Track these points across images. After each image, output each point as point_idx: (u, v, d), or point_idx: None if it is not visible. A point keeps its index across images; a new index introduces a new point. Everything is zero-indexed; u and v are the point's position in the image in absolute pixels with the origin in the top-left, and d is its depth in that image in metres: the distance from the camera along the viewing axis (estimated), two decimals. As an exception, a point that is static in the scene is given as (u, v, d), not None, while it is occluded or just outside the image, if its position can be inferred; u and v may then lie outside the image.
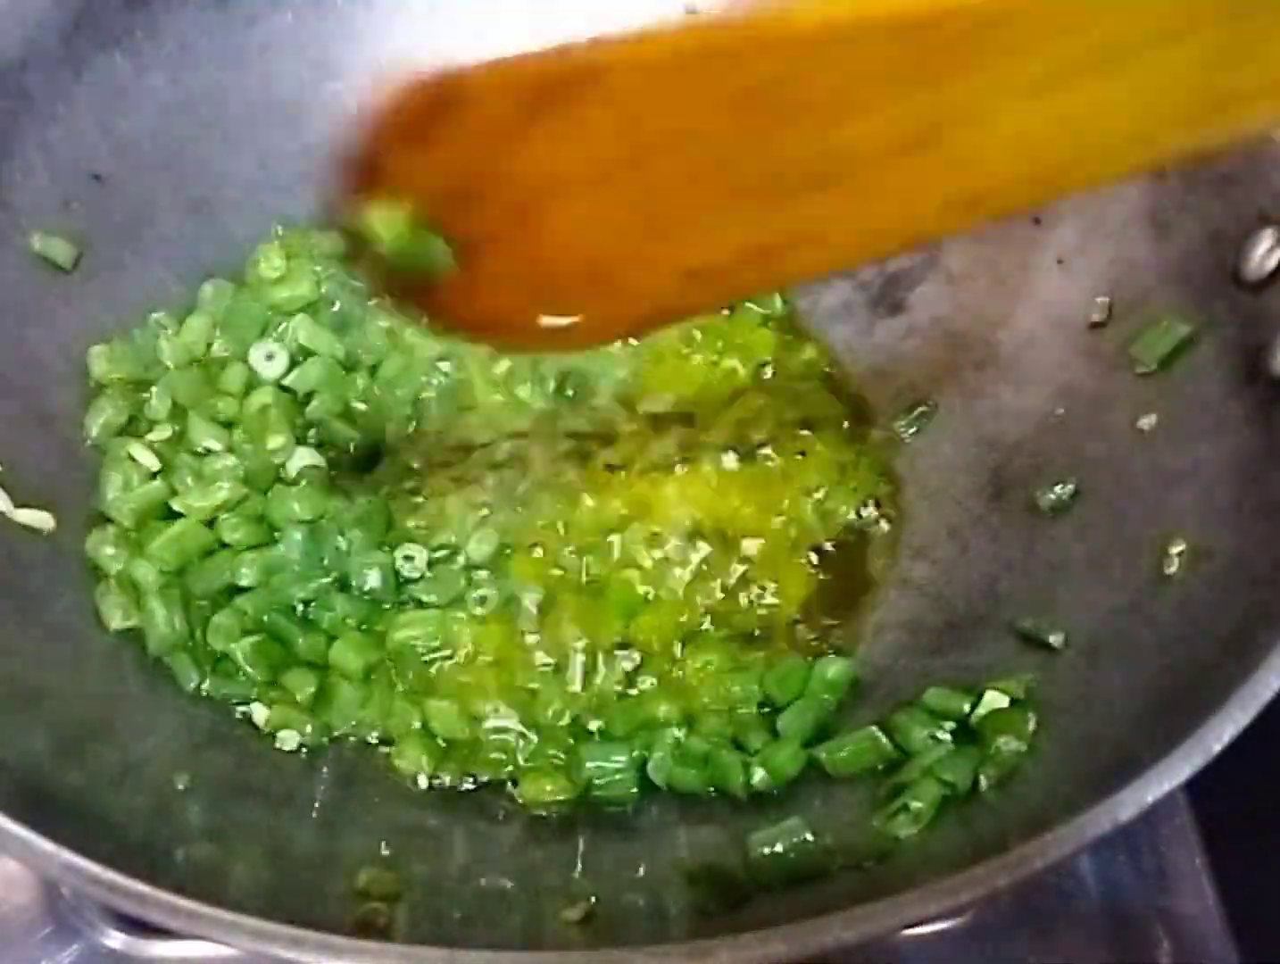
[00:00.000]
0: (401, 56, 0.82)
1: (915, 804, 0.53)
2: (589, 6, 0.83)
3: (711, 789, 0.61)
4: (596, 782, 0.61)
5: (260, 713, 0.63)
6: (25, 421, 0.66)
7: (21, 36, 0.69)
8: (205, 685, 0.63)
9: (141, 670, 0.63)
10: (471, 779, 0.62)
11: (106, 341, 0.71)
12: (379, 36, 0.82)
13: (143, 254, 0.74)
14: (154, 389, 0.72)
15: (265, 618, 0.65)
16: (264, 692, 0.63)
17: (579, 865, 0.57)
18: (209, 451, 0.69)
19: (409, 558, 0.67)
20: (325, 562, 0.66)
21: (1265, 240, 0.61)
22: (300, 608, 0.66)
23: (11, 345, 0.67)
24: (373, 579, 0.66)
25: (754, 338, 0.80)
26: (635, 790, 0.61)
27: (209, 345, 0.74)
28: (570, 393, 0.76)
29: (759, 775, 0.60)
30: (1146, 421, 0.65)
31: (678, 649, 0.67)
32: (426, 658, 0.66)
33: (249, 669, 0.63)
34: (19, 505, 0.63)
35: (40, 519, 0.64)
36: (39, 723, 0.55)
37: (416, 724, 0.63)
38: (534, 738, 0.63)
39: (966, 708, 0.59)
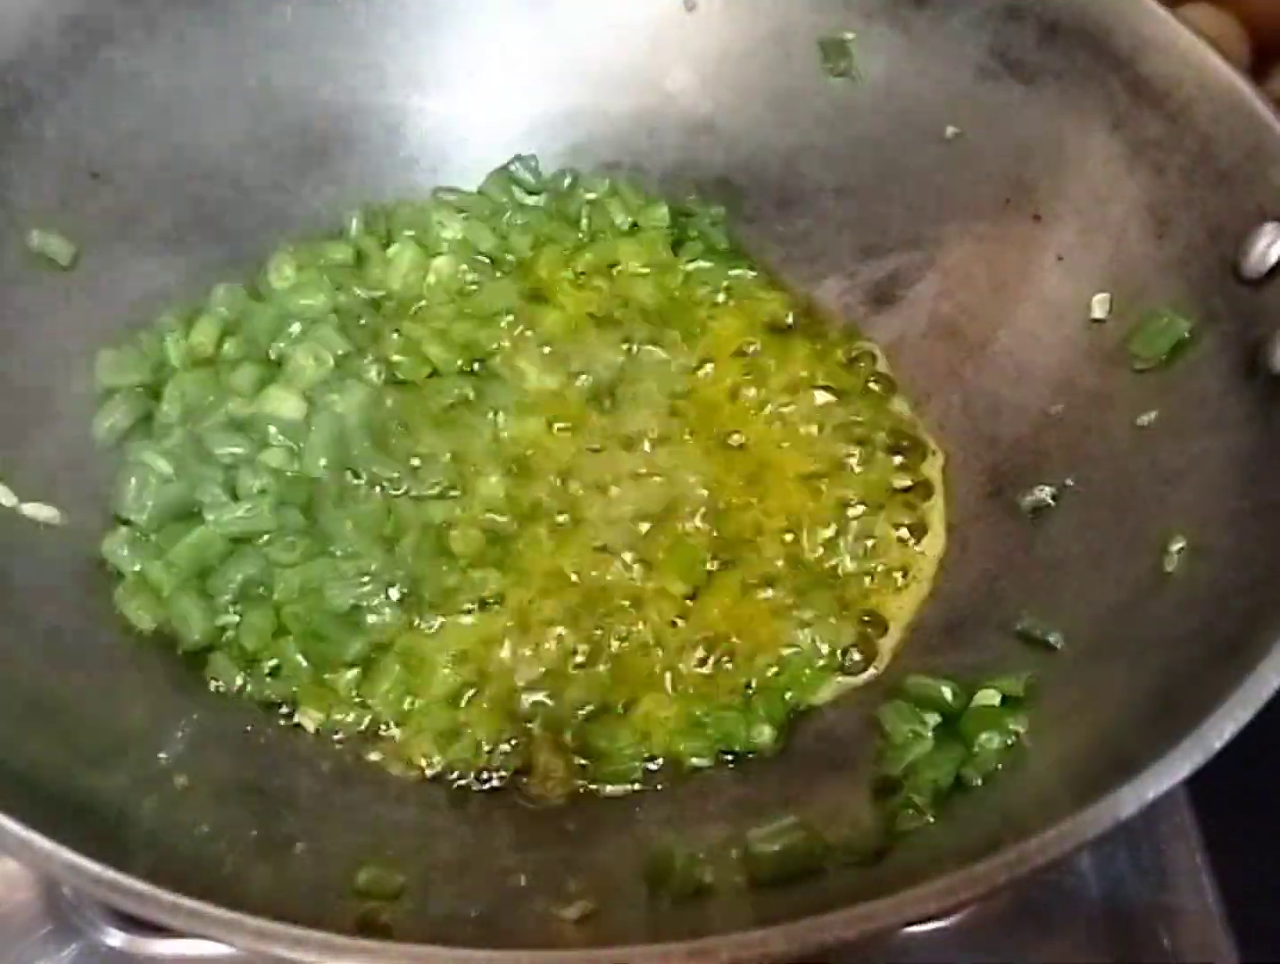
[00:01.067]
0: (400, 55, 0.82)
1: (916, 799, 0.54)
2: (589, 5, 0.84)
3: (718, 754, 0.63)
4: (602, 761, 0.62)
5: (305, 716, 0.64)
6: (26, 420, 0.66)
7: (21, 35, 0.69)
8: (245, 683, 0.64)
9: (142, 669, 0.63)
10: (474, 776, 0.62)
11: (110, 343, 0.71)
12: (379, 36, 0.81)
13: (141, 252, 0.74)
14: (164, 392, 0.71)
15: (299, 619, 0.65)
16: (306, 693, 0.64)
17: (578, 865, 0.57)
18: (234, 461, 0.69)
19: (438, 563, 0.68)
20: (372, 569, 0.67)
21: (1265, 236, 0.61)
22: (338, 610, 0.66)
23: (11, 343, 0.67)
24: (410, 584, 0.67)
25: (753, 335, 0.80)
26: (636, 765, 0.62)
27: (219, 347, 0.74)
28: (606, 402, 0.76)
29: (766, 733, 0.62)
30: (1146, 418, 0.65)
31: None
32: (449, 652, 0.66)
33: (288, 666, 0.64)
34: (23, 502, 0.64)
35: (46, 513, 0.64)
36: (39, 722, 0.55)
37: (428, 717, 0.64)
38: (542, 728, 0.63)
39: (950, 697, 0.59)
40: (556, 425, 0.75)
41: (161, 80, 0.75)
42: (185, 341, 0.74)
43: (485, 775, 0.62)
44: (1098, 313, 0.70)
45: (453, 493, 0.71)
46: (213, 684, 0.64)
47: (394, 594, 0.67)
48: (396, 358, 0.75)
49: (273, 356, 0.74)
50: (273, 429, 0.71)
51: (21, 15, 0.69)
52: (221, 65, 0.77)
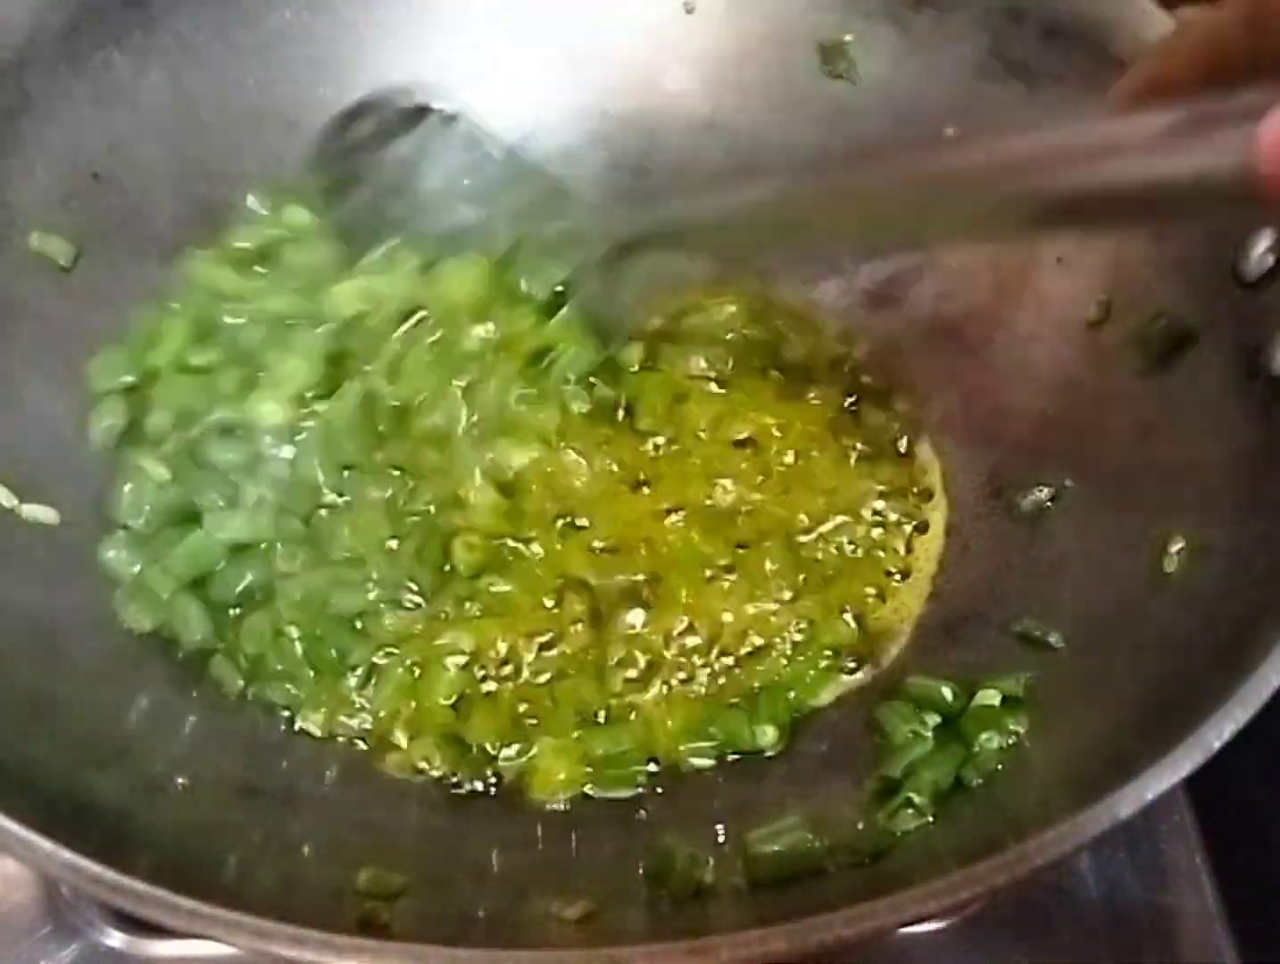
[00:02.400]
0: (400, 55, 0.82)
1: (916, 799, 0.54)
2: (588, 5, 0.84)
3: (723, 755, 0.62)
4: (605, 764, 0.62)
5: (305, 717, 0.63)
6: (25, 421, 0.66)
7: (21, 36, 0.69)
8: (246, 686, 0.63)
9: (142, 670, 0.63)
10: (476, 779, 0.62)
11: (106, 344, 0.71)
12: (378, 36, 0.82)
13: (141, 253, 0.74)
14: (155, 396, 0.71)
15: (301, 624, 0.65)
16: (309, 696, 0.64)
17: (578, 865, 0.57)
18: (232, 469, 0.69)
19: (440, 568, 0.67)
20: (375, 575, 0.67)
21: (1264, 238, 0.61)
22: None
23: (11, 343, 0.67)
24: (413, 589, 0.67)
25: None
26: (638, 769, 0.62)
27: (208, 351, 0.73)
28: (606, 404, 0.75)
29: (770, 734, 0.62)
30: (1146, 419, 0.65)
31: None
32: (451, 656, 0.66)
33: (290, 670, 0.64)
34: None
35: (45, 514, 0.64)
36: (39, 722, 0.55)
37: (431, 720, 0.64)
38: (544, 731, 0.63)
39: (950, 697, 0.59)
40: (557, 428, 0.74)
41: (162, 81, 0.75)
42: (174, 344, 0.73)
43: (487, 778, 0.62)
44: (1097, 315, 0.70)
45: (454, 498, 0.70)
46: (214, 686, 0.64)
47: (397, 599, 0.66)
48: (395, 362, 0.75)
49: (266, 362, 0.73)
50: (270, 437, 0.70)
51: (22, 16, 0.69)
52: (221, 66, 0.77)
